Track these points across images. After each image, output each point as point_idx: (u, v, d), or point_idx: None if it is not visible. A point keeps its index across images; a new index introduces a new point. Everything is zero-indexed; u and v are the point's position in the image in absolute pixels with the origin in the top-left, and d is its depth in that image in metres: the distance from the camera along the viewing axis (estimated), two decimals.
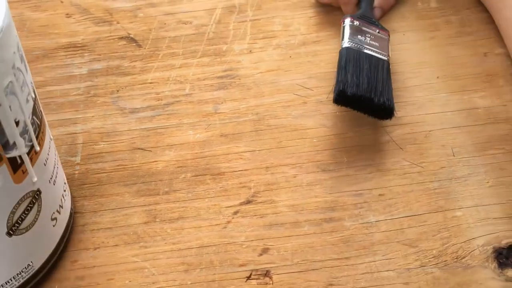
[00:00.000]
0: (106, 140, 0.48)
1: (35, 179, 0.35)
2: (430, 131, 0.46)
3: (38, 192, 0.35)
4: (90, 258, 0.40)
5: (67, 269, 0.40)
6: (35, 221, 0.36)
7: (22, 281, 0.37)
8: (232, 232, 0.41)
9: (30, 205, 0.35)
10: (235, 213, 0.42)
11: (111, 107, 0.50)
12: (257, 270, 0.39)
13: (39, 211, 0.36)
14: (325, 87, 0.50)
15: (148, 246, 0.41)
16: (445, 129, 0.46)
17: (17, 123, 0.32)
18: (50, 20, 0.58)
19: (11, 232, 0.34)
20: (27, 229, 0.35)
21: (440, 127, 0.46)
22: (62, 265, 0.40)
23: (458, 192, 0.42)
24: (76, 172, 0.46)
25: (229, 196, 0.43)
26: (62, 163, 0.46)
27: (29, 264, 0.37)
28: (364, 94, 0.43)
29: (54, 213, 0.38)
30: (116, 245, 0.41)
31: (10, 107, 0.31)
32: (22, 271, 0.37)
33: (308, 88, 0.50)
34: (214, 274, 0.39)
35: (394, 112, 0.44)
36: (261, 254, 0.40)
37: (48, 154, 0.37)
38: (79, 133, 0.48)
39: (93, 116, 0.49)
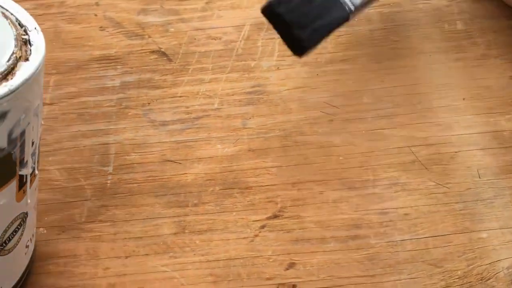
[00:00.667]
0: (137, 151, 0.49)
1: (29, 201, 0.35)
2: (456, 152, 0.47)
3: (26, 215, 0.35)
4: (121, 266, 0.42)
5: (99, 276, 0.41)
6: (17, 244, 0.36)
7: None
8: (259, 246, 0.42)
9: (18, 226, 0.35)
10: (262, 227, 0.43)
11: (142, 119, 0.51)
12: (283, 284, 0.40)
13: (22, 234, 0.36)
14: (352, 106, 0.51)
15: (178, 256, 0.42)
16: (471, 150, 0.47)
17: (32, 143, 0.33)
18: (84, 33, 0.60)
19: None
20: (9, 250, 0.35)
21: (466, 149, 0.47)
22: (95, 272, 0.41)
23: (484, 214, 0.43)
24: (108, 181, 0.47)
25: (256, 210, 0.44)
26: (95, 172, 0.48)
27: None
28: (289, 19, 0.40)
29: (29, 240, 0.38)
30: (146, 255, 0.42)
31: (33, 127, 0.32)
32: None
33: (335, 106, 0.51)
34: (242, 286, 0.40)
35: (306, 50, 0.41)
36: (287, 269, 0.41)
37: (38, 180, 0.37)
38: (111, 143, 0.50)
39: (125, 127, 0.51)
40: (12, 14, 0.31)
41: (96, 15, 0.62)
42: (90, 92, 0.54)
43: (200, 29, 0.60)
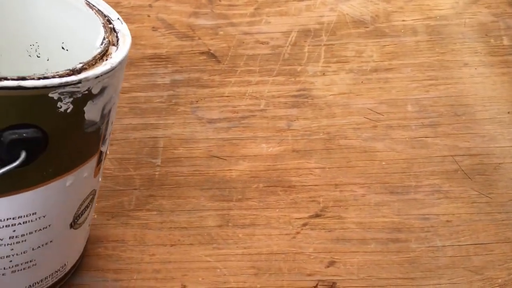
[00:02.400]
0: (185, 146, 0.51)
1: (100, 179, 0.38)
2: (499, 163, 0.47)
3: (95, 193, 0.38)
4: (166, 253, 0.43)
5: (146, 261, 0.43)
6: (85, 220, 0.38)
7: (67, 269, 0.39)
8: (300, 242, 0.43)
9: (90, 202, 0.37)
10: (304, 225, 0.44)
11: (190, 116, 0.53)
12: (323, 281, 0.41)
13: (90, 211, 0.38)
14: (396, 113, 0.52)
15: (221, 248, 0.43)
16: None
17: (111, 123, 0.35)
18: (137, 32, 0.62)
19: (72, 224, 0.36)
20: (80, 225, 0.37)
21: (509, 161, 0.47)
22: (141, 258, 0.43)
23: None
24: (157, 173, 0.49)
25: (298, 209, 0.45)
26: (144, 163, 0.49)
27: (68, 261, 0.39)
28: None
29: (91, 219, 0.40)
30: (191, 244, 0.44)
31: (115, 107, 0.34)
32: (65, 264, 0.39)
33: (379, 113, 0.52)
34: (283, 280, 0.41)
35: None
36: (328, 266, 0.42)
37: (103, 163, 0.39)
38: (160, 137, 0.52)
39: (173, 123, 0.53)
40: (94, 5, 0.33)
41: (149, 16, 0.64)
42: (141, 88, 0.57)
43: (249, 34, 0.61)
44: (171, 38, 0.61)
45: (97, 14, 0.33)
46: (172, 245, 0.44)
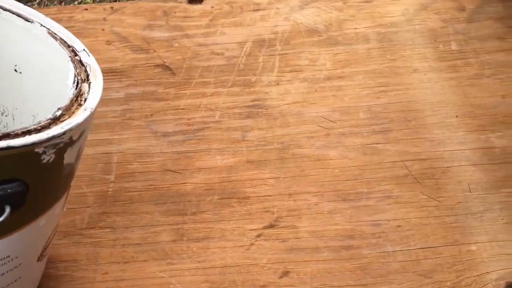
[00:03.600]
0: (139, 160, 0.50)
1: (65, 209, 0.37)
2: (448, 167, 0.48)
3: (59, 221, 0.37)
4: (119, 271, 0.43)
5: (98, 280, 0.42)
6: (47, 253, 0.38)
7: None
8: (254, 254, 0.43)
9: (55, 232, 0.37)
10: (258, 236, 0.45)
11: (145, 130, 0.53)
12: None
13: (52, 240, 0.38)
14: (348, 121, 0.52)
15: (175, 263, 0.43)
16: (462, 166, 0.48)
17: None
18: (91, 46, 0.62)
19: (40, 257, 0.36)
20: (45, 256, 0.37)
21: (457, 164, 0.48)
22: (93, 277, 0.42)
23: (474, 227, 0.44)
24: (110, 189, 0.48)
25: (253, 220, 0.46)
26: (97, 180, 0.49)
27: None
28: None
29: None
30: (145, 261, 0.43)
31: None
32: None
33: (332, 121, 0.53)
34: None
35: None
36: (281, 277, 0.42)
37: None
38: (114, 153, 0.51)
39: (128, 137, 0.53)
40: (56, 33, 0.32)
41: (103, 29, 0.64)
42: None
43: (204, 45, 0.62)
44: (126, 51, 0.61)
45: (61, 45, 0.32)
46: (125, 263, 0.43)
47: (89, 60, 0.32)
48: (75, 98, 0.29)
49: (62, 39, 0.33)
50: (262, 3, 0.65)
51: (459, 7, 0.63)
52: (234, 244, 0.44)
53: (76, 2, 1.27)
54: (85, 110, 0.29)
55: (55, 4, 1.30)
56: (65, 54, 0.31)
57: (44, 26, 0.33)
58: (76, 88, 0.29)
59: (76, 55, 0.32)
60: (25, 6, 0.35)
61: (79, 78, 0.30)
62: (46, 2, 1.31)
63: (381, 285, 0.41)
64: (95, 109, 0.29)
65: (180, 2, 0.67)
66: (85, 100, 0.29)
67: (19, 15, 0.34)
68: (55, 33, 0.33)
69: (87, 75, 0.30)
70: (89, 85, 0.30)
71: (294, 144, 0.51)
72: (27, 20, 0.33)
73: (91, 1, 1.28)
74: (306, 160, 0.50)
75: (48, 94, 0.32)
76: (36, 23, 0.33)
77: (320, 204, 0.46)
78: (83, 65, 0.31)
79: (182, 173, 0.49)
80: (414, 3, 0.64)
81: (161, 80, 0.58)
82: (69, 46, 0.32)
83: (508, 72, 0.56)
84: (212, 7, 0.66)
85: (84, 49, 0.32)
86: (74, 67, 0.30)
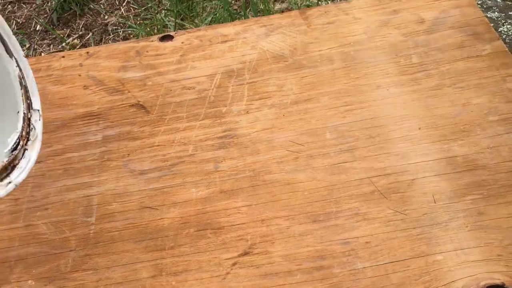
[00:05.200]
0: (118, 200, 0.53)
1: None
2: (412, 180, 0.50)
3: None
4: None
5: None
6: None
7: None
8: (230, 282, 0.45)
9: None
10: (234, 264, 0.46)
11: (123, 169, 0.55)
12: None
13: None
14: (316, 142, 0.54)
15: None
16: (426, 177, 0.50)
17: None
18: (69, 92, 0.65)
19: None
20: None
21: (422, 176, 0.50)
22: None
23: (439, 237, 0.45)
24: (92, 231, 0.50)
25: (228, 249, 0.47)
26: (79, 224, 0.51)
27: None
28: None
29: None
30: None
31: None
32: None
33: (300, 144, 0.54)
34: None
35: None
36: None
37: None
38: (94, 195, 0.53)
39: (106, 179, 0.55)
40: (24, 78, 0.32)
41: (80, 75, 0.67)
42: (74, 148, 0.58)
43: (176, 81, 0.64)
44: (102, 94, 0.64)
45: (22, 95, 0.32)
46: None
47: (37, 125, 0.32)
48: (7, 164, 0.29)
49: (26, 88, 0.33)
50: (229, 34, 0.68)
51: (418, 19, 0.65)
52: (211, 274, 0.46)
53: (61, 45, 1.31)
54: (8, 184, 0.28)
55: (43, 48, 1.34)
56: (20, 106, 0.31)
57: (19, 66, 0.34)
58: (11, 154, 0.29)
59: (29, 110, 0.32)
60: (14, 37, 0.34)
61: (20, 142, 0.30)
62: (34, 46, 1.35)
63: None
64: (19, 184, 0.28)
65: (152, 41, 0.70)
66: (12, 168, 0.28)
67: (3, 42, 0.34)
68: (23, 78, 0.33)
69: (27, 141, 0.30)
70: (23, 152, 0.30)
71: (264, 171, 0.53)
72: (7, 51, 0.33)
73: (78, 43, 1.32)
74: (276, 185, 0.51)
75: None
76: (14, 60, 0.34)
77: (291, 227, 0.48)
78: (29, 126, 0.31)
79: (159, 209, 0.51)
80: (375, 20, 0.66)
81: (136, 119, 0.60)
82: (27, 98, 0.33)
83: (468, 80, 0.57)
84: (182, 42, 0.68)
85: (38, 110, 0.33)
86: (22, 126, 0.30)
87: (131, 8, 1.39)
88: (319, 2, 1.25)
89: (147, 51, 0.68)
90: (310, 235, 0.47)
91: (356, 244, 0.46)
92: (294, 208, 0.49)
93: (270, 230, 0.48)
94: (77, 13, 1.40)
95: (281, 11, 1.28)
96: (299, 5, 1.28)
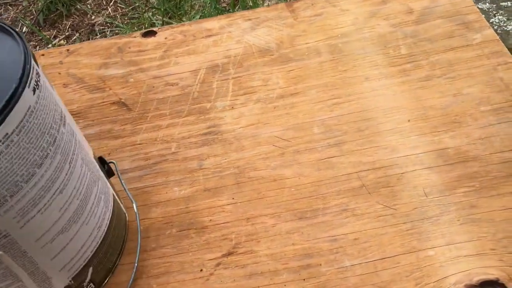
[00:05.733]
0: None
1: None
2: (402, 173, 0.48)
3: None
4: None
5: None
6: None
7: None
8: (214, 284, 0.43)
9: None
10: (217, 265, 0.44)
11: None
12: None
13: None
14: (302, 137, 0.52)
15: None
16: (416, 170, 0.48)
17: None
18: None
19: None
20: None
21: (412, 169, 0.48)
22: None
23: (430, 231, 0.43)
24: None
25: (211, 249, 0.45)
26: None
27: None
28: None
29: None
30: None
31: None
32: None
33: (286, 139, 0.53)
34: None
35: None
36: None
37: None
38: None
39: None
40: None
41: (59, 73, 0.64)
42: None
43: (158, 77, 0.62)
44: (82, 92, 0.62)
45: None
46: None
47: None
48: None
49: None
50: (214, 28, 0.66)
51: (407, 10, 0.64)
52: (194, 276, 0.44)
53: (48, 47, 1.29)
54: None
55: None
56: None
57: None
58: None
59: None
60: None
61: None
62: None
63: None
64: None
65: (135, 37, 0.68)
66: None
67: None
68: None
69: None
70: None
71: (250, 167, 0.51)
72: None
73: (65, 44, 1.30)
74: (262, 182, 0.50)
75: None
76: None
77: (277, 225, 0.46)
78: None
79: (140, 209, 0.49)
80: (363, 12, 0.65)
81: (118, 117, 0.58)
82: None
83: (459, 70, 0.56)
84: (165, 38, 0.66)
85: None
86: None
87: (119, 7, 1.37)
88: None
89: (129, 47, 0.66)
90: (297, 233, 0.45)
91: (344, 241, 0.44)
92: (280, 205, 0.47)
93: (256, 228, 0.46)
94: (64, 14, 1.38)
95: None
96: (288, 0, 1.26)
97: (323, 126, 0.53)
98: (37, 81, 0.32)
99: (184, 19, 1.24)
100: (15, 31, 0.34)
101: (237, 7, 1.22)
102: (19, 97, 0.30)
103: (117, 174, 0.48)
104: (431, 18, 0.62)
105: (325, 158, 0.50)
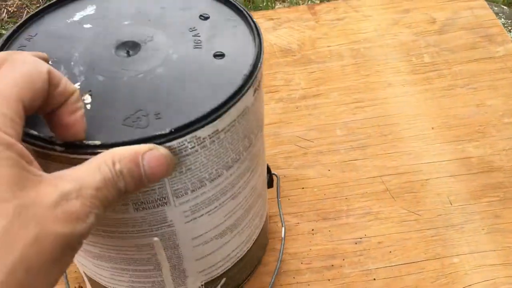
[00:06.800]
0: None
1: None
2: (426, 180, 0.48)
3: None
4: None
5: None
6: None
7: None
8: None
9: None
10: None
11: None
12: None
13: None
14: (325, 138, 0.52)
15: None
16: (440, 178, 0.48)
17: None
18: None
19: None
20: None
21: (435, 176, 0.48)
22: None
23: (455, 239, 0.43)
24: None
25: None
26: None
27: None
28: None
29: None
30: None
31: None
32: None
33: (309, 140, 0.52)
34: None
35: None
36: None
37: None
38: None
39: None
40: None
41: None
42: None
43: None
44: None
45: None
46: None
47: None
48: None
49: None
50: None
51: (430, 19, 0.64)
52: None
53: None
54: None
55: None
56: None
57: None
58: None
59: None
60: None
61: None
62: None
63: None
64: None
65: None
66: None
67: None
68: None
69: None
70: None
71: (272, 165, 0.50)
72: None
73: None
74: (284, 180, 0.49)
75: None
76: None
77: (300, 224, 0.46)
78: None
79: None
80: (386, 18, 0.65)
81: None
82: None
83: (481, 81, 0.56)
84: None
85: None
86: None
87: None
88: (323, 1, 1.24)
89: None
90: (320, 233, 0.45)
91: (368, 244, 0.44)
92: (303, 204, 0.47)
93: (278, 227, 0.46)
94: None
95: None
96: (300, 4, 1.26)
97: (345, 128, 0.53)
98: (259, 81, 0.30)
99: None
100: (250, 17, 0.32)
101: (248, 8, 1.23)
102: (242, 96, 0.27)
103: (277, 189, 0.46)
104: (453, 29, 0.62)
105: (349, 160, 0.50)
